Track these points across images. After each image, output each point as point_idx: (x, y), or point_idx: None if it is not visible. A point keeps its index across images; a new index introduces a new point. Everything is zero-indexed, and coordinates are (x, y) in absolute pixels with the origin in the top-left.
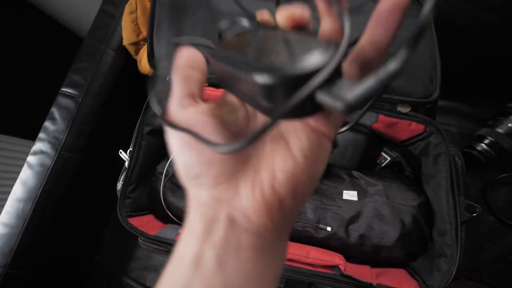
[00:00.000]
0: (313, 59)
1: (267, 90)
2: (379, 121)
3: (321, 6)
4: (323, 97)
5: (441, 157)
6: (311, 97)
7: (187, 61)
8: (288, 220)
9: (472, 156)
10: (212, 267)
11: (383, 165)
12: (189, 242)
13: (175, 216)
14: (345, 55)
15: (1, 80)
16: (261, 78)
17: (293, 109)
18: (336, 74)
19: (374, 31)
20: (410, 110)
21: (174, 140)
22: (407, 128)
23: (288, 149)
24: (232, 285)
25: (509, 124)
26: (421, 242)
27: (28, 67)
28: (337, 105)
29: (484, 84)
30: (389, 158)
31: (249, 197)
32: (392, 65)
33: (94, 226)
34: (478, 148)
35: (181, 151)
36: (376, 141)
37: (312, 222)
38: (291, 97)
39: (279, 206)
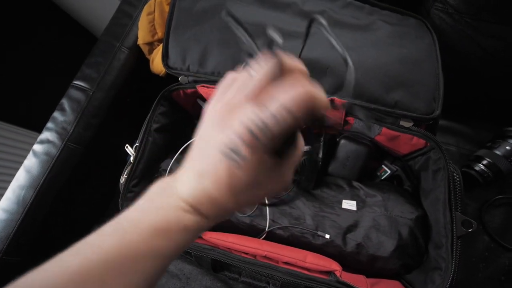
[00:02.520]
0: None
1: None
2: (382, 134)
3: None
4: None
5: (440, 172)
6: None
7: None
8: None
9: (470, 176)
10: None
11: (383, 177)
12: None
13: None
14: None
15: (13, 72)
16: None
17: None
18: None
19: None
20: (412, 125)
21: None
22: (409, 142)
23: None
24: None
25: (507, 147)
26: (417, 254)
27: (42, 61)
28: None
29: (485, 108)
30: (389, 171)
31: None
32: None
33: (93, 217)
34: (476, 168)
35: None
36: (377, 153)
37: (311, 229)
38: None
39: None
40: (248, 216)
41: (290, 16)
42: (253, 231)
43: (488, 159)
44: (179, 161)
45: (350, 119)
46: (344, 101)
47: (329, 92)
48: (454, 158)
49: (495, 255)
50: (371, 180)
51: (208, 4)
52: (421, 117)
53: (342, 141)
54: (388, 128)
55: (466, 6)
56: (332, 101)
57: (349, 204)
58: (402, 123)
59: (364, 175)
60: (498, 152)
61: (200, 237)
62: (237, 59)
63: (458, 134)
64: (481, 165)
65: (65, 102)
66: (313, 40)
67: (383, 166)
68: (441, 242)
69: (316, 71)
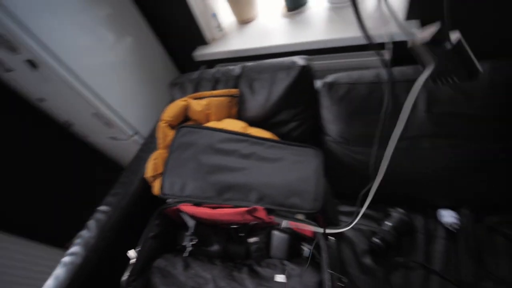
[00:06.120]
0: None
1: None
2: (290, 224)
3: None
4: None
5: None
6: None
7: None
8: None
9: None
10: None
11: (305, 254)
12: None
13: None
14: None
15: (45, 196)
16: None
17: None
18: None
19: None
20: (306, 218)
21: None
22: (309, 231)
23: None
24: None
25: (388, 223)
26: None
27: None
28: None
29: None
30: (306, 249)
31: None
32: None
33: None
34: (375, 240)
35: None
36: (297, 237)
37: None
38: None
39: None
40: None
41: (235, 158)
42: None
43: (379, 234)
44: (167, 259)
45: (271, 217)
46: (262, 207)
47: (255, 202)
48: (365, 234)
49: None
50: (298, 258)
51: (188, 155)
52: (308, 212)
53: (272, 232)
54: (291, 220)
55: (343, 138)
56: (254, 208)
57: (280, 278)
58: (298, 216)
59: (291, 255)
60: (384, 228)
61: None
62: (204, 188)
63: (365, 216)
64: (375, 238)
65: (91, 222)
66: (246, 171)
67: (301, 246)
68: None
69: (246, 188)
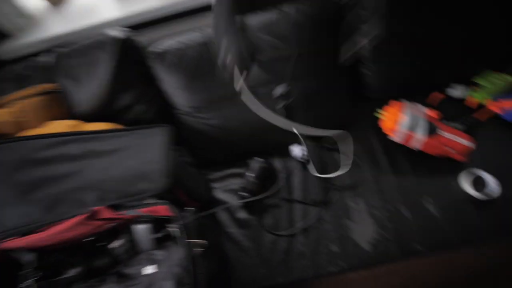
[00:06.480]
0: None
1: None
2: (144, 212)
3: None
4: None
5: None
6: None
7: None
8: None
9: None
10: None
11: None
12: None
13: None
14: None
15: None
16: None
17: None
18: None
19: None
20: (160, 198)
21: None
22: (163, 211)
23: None
24: None
25: (250, 174)
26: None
27: None
28: None
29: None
30: (172, 230)
31: None
32: None
33: None
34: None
35: None
36: (160, 223)
37: None
38: None
39: None
40: None
41: (62, 163)
42: None
43: (244, 187)
44: None
45: (120, 213)
46: (103, 207)
47: (94, 204)
48: (235, 192)
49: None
50: (168, 241)
51: None
52: (160, 191)
53: (132, 227)
54: (141, 208)
55: (191, 107)
56: (94, 211)
57: (149, 269)
58: (148, 201)
59: (160, 242)
60: (248, 179)
61: None
62: (28, 212)
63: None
64: (241, 193)
65: None
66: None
67: (168, 229)
68: None
69: (81, 193)
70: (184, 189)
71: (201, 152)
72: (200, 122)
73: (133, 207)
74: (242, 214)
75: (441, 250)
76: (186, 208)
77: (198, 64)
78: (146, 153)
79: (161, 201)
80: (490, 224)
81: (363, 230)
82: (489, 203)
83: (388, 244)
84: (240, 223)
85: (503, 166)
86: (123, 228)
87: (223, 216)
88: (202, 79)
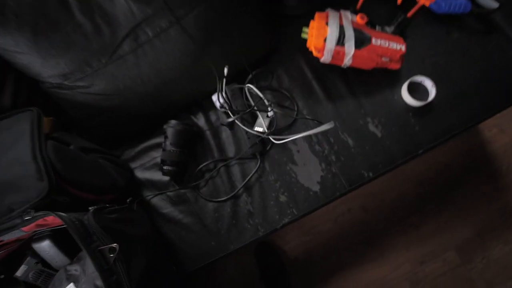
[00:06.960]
0: None
1: None
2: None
3: None
4: None
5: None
6: None
7: None
8: None
9: None
10: None
11: None
12: None
13: None
14: None
15: None
16: None
17: None
18: None
19: None
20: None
21: None
22: (53, 220)
23: None
24: None
25: (167, 143)
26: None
27: None
28: None
29: None
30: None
31: None
32: None
33: None
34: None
35: None
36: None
37: None
38: None
39: None
40: None
41: None
42: None
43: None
44: None
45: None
46: None
47: None
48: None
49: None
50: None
51: None
52: (39, 201)
53: (33, 246)
54: (24, 225)
55: (59, 77)
56: None
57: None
58: (29, 215)
59: (74, 253)
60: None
61: None
62: None
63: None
64: (164, 167)
65: None
66: None
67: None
68: None
69: None
70: (81, 185)
71: (98, 131)
72: (80, 92)
73: (10, 228)
74: (172, 190)
75: (387, 171)
76: (90, 208)
77: (46, 17)
78: (7, 152)
79: (41, 213)
80: (431, 131)
81: (309, 170)
82: (427, 108)
83: (335, 179)
84: (173, 200)
85: (436, 64)
86: (27, 249)
87: (156, 199)
88: (58, 33)
